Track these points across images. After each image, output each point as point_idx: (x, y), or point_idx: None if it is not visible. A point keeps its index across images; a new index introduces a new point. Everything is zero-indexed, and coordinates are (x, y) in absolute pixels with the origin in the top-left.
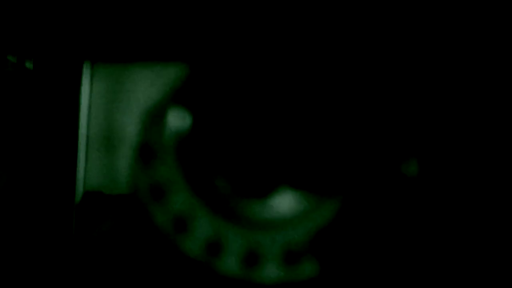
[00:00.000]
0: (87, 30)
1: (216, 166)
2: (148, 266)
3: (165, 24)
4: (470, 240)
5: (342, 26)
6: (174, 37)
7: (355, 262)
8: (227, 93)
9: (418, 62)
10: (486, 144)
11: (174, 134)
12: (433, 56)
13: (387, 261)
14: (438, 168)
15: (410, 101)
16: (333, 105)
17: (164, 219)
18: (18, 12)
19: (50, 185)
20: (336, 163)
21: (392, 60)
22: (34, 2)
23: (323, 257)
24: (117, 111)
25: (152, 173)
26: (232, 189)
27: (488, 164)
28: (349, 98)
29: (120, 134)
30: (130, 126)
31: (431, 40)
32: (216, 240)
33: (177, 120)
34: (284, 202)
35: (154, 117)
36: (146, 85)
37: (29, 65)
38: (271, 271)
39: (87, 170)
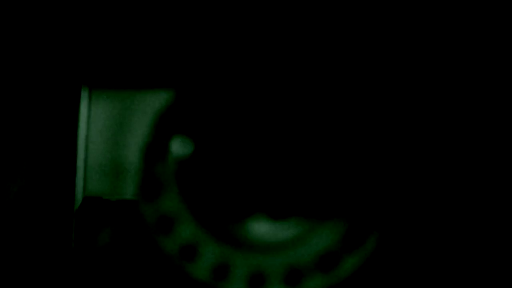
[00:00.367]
0: (85, 56)
1: (217, 194)
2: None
3: (159, 51)
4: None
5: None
6: (168, 63)
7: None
8: (224, 121)
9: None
10: (484, 153)
11: (176, 164)
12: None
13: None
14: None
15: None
16: (327, 129)
17: (172, 249)
18: (18, 40)
19: (50, 191)
20: (335, 188)
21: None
22: (32, 29)
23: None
24: (116, 135)
25: (159, 206)
26: (234, 215)
27: (485, 172)
28: (341, 122)
29: (120, 156)
30: (129, 148)
31: (430, 51)
32: (222, 264)
33: (179, 149)
34: (286, 226)
35: (156, 148)
36: (144, 111)
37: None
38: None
39: (87, 175)
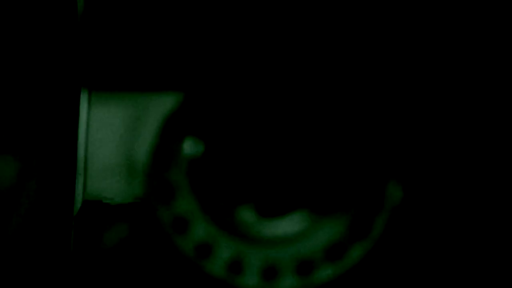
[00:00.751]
0: (84, 57)
1: (230, 194)
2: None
3: (161, 54)
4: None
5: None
6: (171, 66)
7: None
8: (232, 120)
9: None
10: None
11: (189, 165)
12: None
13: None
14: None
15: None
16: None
17: (187, 248)
18: (16, 41)
19: (49, 195)
20: (340, 183)
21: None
22: (32, 30)
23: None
24: (115, 137)
25: (174, 208)
26: (247, 213)
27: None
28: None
29: (120, 157)
30: (130, 151)
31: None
32: (237, 260)
33: (190, 150)
34: (297, 220)
35: (168, 151)
36: (144, 113)
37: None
38: (287, 282)
39: (87, 179)
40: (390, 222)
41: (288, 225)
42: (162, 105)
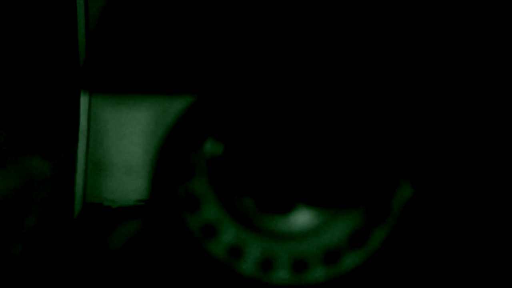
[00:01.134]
0: (85, 59)
1: (241, 186)
2: (177, 265)
3: (166, 57)
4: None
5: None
6: (176, 69)
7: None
8: (248, 120)
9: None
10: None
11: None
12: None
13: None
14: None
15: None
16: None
17: (218, 251)
18: (18, 41)
19: (50, 198)
20: (347, 182)
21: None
22: (34, 31)
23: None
24: (116, 139)
25: (200, 217)
26: (254, 205)
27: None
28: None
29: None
30: (131, 153)
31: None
32: (238, 245)
33: (211, 149)
34: (300, 217)
35: (189, 160)
36: (145, 116)
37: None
38: (281, 274)
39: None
40: (401, 218)
41: (308, 220)
42: (168, 108)
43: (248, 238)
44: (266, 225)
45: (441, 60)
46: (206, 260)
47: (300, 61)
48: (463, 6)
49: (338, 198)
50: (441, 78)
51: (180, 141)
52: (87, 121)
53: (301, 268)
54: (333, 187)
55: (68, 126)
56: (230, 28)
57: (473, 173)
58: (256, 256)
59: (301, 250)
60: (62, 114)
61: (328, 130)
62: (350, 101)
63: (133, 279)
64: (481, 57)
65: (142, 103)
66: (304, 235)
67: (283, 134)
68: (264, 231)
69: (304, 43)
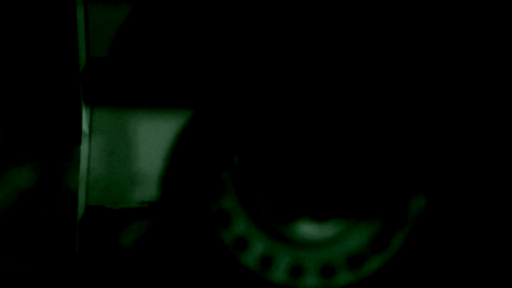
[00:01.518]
0: (88, 73)
1: (269, 198)
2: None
3: (167, 70)
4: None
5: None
6: (177, 82)
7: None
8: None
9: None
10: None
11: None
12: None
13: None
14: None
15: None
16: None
17: (250, 262)
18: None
19: (53, 201)
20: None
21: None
22: (36, 45)
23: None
24: (118, 153)
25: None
26: (281, 216)
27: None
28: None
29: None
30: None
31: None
32: (269, 255)
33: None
34: (324, 226)
35: (222, 181)
36: (147, 130)
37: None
38: (310, 280)
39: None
40: (415, 229)
41: (318, 230)
42: (170, 120)
43: (278, 248)
44: (294, 235)
45: (460, 73)
46: (240, 272)
47: (321, 76)
48: (467, 6)
49: (358, 208)
50: (461, 91)
51: (209, 158)
52: (89, 129)
53: (328, 274)
54: (354, 198)
55: (69, 131)
56: (235, 40)
57: (488, 180)
58: (286, 265)
59: (327, 257)
60: (62, 118)
61: (348, 142)
62: (368, 116)
63: None
64: (500, 73)
65: (144, 113)
66: (328, 242)
67: (306, 146)
68: (292, 241)
69: (318, 53)
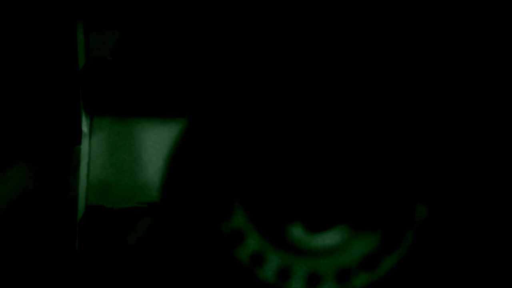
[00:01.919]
0: (87, 83)
1: (280, 214)
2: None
3: (166, 80)
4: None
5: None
6: (175, 91)
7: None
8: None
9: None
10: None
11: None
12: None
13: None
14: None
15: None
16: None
17: (267, 276)
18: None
19: (53, 201)
20: (376, 201)
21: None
22: (41, 55)
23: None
24: (118, 153)
25: (247, 249)
26: (293, 228)
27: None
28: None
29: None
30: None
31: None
32: (285, 268)
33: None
34: (336, 234)
35: (232, 202)
36: (147, 139)
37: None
38: (328, 287)
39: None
40: (418, 236)
41: (330, 238)
42: (168, 129)
43: (293, 259)
44: (307, 244)
45: (466, 83)
46: (257, 286)
47: (324, 82)
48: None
49: (358, 221)
50: (467, 97)
51: (220, 181)
52: (89, 130)
53: (345, 278)
54: (356, 209)
55: (69, 131)
56: (238, 49)
57: (490, 193)
58: (303, 274)
59: (342, 261)
60: (62, 117)
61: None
62: (370, 126)
63: None
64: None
65: (144, 114)
66: (341, 248)
67: (314, 156)
68: (306, 250)
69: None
